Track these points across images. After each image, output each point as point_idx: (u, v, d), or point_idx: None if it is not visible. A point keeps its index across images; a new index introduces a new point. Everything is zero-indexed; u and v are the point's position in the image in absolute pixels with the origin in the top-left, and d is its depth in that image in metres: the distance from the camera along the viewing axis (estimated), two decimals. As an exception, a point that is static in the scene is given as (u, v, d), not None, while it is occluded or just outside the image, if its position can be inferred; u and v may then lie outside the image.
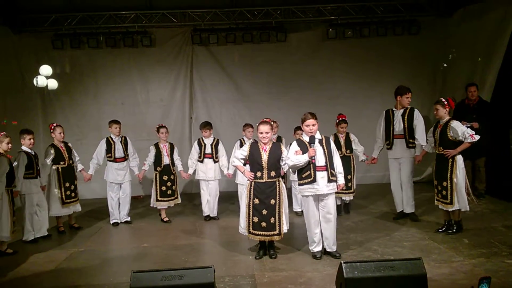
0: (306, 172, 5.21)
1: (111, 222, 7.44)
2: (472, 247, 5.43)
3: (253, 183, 5.34)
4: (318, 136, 5.27)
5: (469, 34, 8.95)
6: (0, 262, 5.70)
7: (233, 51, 10.10)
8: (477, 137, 5.60)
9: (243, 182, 6.24)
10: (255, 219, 5.33)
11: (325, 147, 5.25)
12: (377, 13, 9.81)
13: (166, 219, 7.47)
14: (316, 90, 10.07)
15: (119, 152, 7.38)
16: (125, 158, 7.42)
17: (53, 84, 9.72)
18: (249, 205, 5.36)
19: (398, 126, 6.65)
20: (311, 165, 5.16)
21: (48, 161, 6.85)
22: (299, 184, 5.33)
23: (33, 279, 5.15)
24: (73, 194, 7.06)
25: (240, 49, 10.07)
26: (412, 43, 9.96)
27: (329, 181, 5.19)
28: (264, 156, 5.30)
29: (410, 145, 6.59)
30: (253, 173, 5.33)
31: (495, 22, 8.15)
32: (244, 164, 5.54)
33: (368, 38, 9.89)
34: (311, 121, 5.22)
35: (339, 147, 7.13)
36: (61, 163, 6.97)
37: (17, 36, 9.50)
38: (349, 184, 7.09)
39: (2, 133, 6.05)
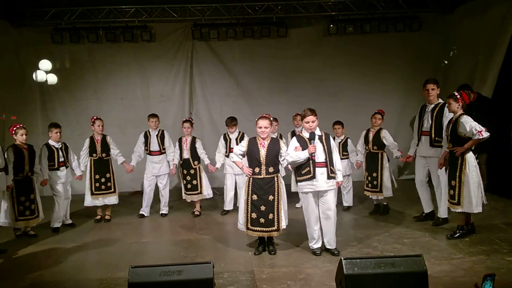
0: (305, 169, 5.17)
1: (139, 213, 7.56)
2: (473, 245, 5.40)
3: (251, 179, 5.31)
4: (318, 132, 5.23)
5: (471, 30, 8.90)
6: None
7: (234, 46, 10.06)
8: (485, 134, 5.26)
9: None
10: (254, 215, 5.30)
11: (324, 144, 5.20)
12: (379, 9, 9.77)
13: (197, 213, 7.53)
14: (317, 86, 10.04)
15: (154, 145, 7.52)
16: (160, 151, 7.54)
17: (52, 78, 9.69)
18: (247, 201, 5.33)
19: (427, 122, 6.22)
20: (311, 161, 5.12)
21: (83, 152, 7.24)
22: (298, 181, 5.29)
23: (31, 273, 5.11)
24: (103, 187, 7.20)
25: (240, 44, 10.03)
26: (414, 40, 9.92)
27: (329, 177, 5.15)
28: (262, 152, 5.26)
29: (436, 143, 6.09)
30: (251, 169, 5.30)
31: (497, 19, 8.09)
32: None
33: (369, 34, 9.86)
34: (310, 118, 5.17)
35: (367, 143, 7.04)
36: (94, 155, 7.18)
37: (17, 30, 9.47)
38: (375, 183, 6.92)
39: (18, 125, 6.35)
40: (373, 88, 10.03)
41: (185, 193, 7.49)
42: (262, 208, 5.28)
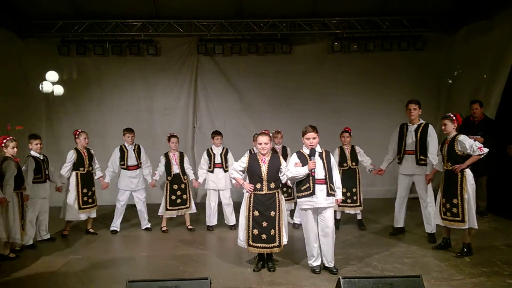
0: (305, 185, 5.18)
1: (111, 229, 7.44)
2: (473, 266, 5.36)
3: (252, 195, 5.30)
4: (318, 149, 5.24)
5: (474, 51, 8.96)
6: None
7: (238, 61, 10.15)
8: (485, 150, 5.45)
9: None
10: (255, 231, 5.28)
11: (325, 161, 5.22)
12: (383, 28, 9.87)
13: (165, 228, 7.44)
14: (320, 103, 10.09)
15: (131, 160, 7.45)
16: (138, 166, 7.49)
17: (58, 90, 9.79)
18: (248, 217, 5.31)
19: (410, 141, 6.43)
20: (311, 177, 5.13)
21: (69, 164, 7.02)
22: (298, 197, 5.31)
23: (29, 285, 5.12)
24: (90, 200, 7.15)
25: (245, 60, 10.11)
26: (417, 59, 9.99)
27: (328, 194, 5.15)
28: (264, 168, 5.27)
29: (422, 162, 6.33)
30: (253, 185, 5.30)
31: (500, 40, 8.14)
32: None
33: (373, 52, 9.93)
34: (311, 134, 5.20)
35: (344, 160, 7.14)
36: (81, 169, 7.10)
37: (24, 42, 9.59)
38: (355, 198, 7.07)
39: (8, 137, 6.15)
40: (377, 106, 10.08)
41: (169, 209, 7.31)
42: (264, 224, 5.26)
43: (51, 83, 9.62)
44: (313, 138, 5.20)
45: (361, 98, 10.08)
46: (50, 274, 5.43)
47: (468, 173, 5.64)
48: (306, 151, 5.25)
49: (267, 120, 9.67)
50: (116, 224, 7.46)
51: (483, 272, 5.14)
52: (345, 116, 9.95)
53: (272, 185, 5.28)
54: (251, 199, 5.31)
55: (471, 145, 5.51)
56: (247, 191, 5.37)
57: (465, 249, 5.73)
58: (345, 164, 7.15)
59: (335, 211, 7.11)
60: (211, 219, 7.54)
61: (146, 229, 7.54)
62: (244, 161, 5.41)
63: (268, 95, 10.19)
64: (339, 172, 7.07)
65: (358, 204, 7.12)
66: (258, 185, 5.27)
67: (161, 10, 9.64)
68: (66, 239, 7.00)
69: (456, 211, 5.65)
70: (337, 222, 7.28)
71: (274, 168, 5.30)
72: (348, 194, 7.08)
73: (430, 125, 6.37)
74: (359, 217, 7.31)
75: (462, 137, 5.65)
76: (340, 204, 7.02)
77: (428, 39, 9.88)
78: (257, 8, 9.56)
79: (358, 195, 7.11)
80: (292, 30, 9.86)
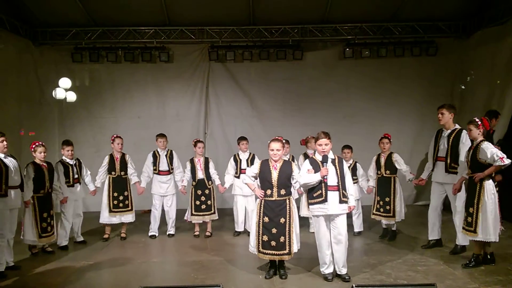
0: (317, 191, 5.14)
1: (149, 234, 7.52)
2: (488, 274, 5.26)
3: (263, 201, 5.29)
4: (331, 155, 5.21)
5: (488, 56, 8.87)
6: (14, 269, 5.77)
7: (250, 68, 10.18)
8: (507, 161, 5.18)
9: None
10: (265, 237, 5.26)
11: (337, 167, 5.18)
12: (395, 34, 9.82)
13: (197, 233, 7.48)
14: (332, 108, 10.08)
15: (163, 165, 7.54)
16: (169, 171, 7.56)
17: (71, 96, 9.89)
18: (258, 224, 5.30)
19: (443, 147, 6.10)
20: (323, 184, 5.10)
21: (102, 169, 7.32)
22: (310, 204, 5.27)
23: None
24: (121, 204, 7.26)
25: (256, 66, 10.14)
26: (430, 64, 9.93)
27: (341, 201, 5.11)
28: (274, 174, 5.25)
29: (451, 170, 5.99)
30: (263, 191, 5.29)
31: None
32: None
33: (385, 58, 9.90)
34: (324, 141, 5.17)
35: (379, 167, 7.00)
36: (112, 173, 7.25)
37: (38, 49, 9.73)
38: (388, 207, 6.85)
39: (38, 143, 6.42)
40: (388, 112, 10.04)
41: (194, 214, 7.36)
42: (274, 230, 5.24)
43: (64, 89, 9.74)
44: (326, 145, 5.17)
45: (373, 104, 10.04)
46: (61, 279, 5.45)
47: (488, 182, 5.37)
48: (318, 157, 5.22)
49: (278, 126, 9.67)
50: (154, 229, 7.53)
51: (498, 280, 5.06)
52: (357, 122, 9.94)
53: (283, 191, 5.26)
54: (261, 205, 5.31)
55: (493, 154, 5.23)
56: (258, 197, 5.36)
57: (473, 260, 5.54)
58: (378, 172, 7.01)
59: (382, 221, 7.08)
60: (239, 225, 7.56)
61: (169, 235, 7.55)
62: (256, 167, 5.41)
63: (280, 101, 10.19)
64: (374, 180, 7.05)
65: (391, 214, 6.83)
66: (269, 191, 5.26)
67: (173, 17, 9.69)
68: (80, 244, 7.05)
69: (470, 221, 5.44)
70: (384, 232, 7.18)
71: (285, 175, 5.28)
72: (381, 203, 6.92)
73: (464, 130, 5.94)
74: (393, 228, 7.05)
75: (485, 145, 5.35)
76: (374, 212, 7.01)
77: (440, 45, 9.82)
78: (268, 15, 9.58)
79: (391, 205, 6.82)
80: (303, 36, 9.85)
